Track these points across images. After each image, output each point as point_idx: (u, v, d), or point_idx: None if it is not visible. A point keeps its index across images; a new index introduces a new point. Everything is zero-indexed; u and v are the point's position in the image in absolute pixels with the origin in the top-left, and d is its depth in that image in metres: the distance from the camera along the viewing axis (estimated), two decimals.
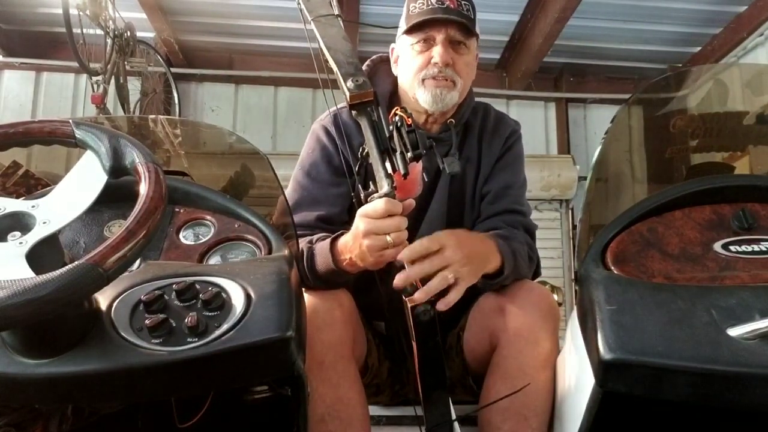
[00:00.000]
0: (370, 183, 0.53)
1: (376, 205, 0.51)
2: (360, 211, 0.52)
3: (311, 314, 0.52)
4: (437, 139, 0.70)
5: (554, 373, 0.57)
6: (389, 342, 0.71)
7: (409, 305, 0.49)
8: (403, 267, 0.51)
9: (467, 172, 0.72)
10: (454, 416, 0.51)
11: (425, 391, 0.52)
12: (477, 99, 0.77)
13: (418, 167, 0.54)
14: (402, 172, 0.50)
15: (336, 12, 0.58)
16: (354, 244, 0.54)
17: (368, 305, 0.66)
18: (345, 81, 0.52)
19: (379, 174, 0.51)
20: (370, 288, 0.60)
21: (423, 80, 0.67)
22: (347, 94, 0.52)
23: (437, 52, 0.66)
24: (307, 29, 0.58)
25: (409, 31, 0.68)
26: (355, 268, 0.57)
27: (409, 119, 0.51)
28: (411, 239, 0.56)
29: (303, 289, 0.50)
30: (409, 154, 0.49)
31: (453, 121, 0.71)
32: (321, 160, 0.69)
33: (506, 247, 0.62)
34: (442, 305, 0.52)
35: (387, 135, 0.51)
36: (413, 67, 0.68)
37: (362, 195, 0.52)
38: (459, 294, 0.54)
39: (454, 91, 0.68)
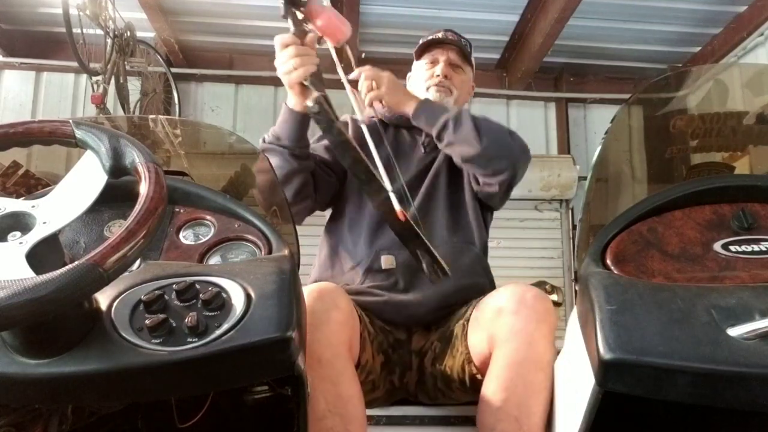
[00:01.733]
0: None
1: (275, 40, 0.67)
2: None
3: (308, 314, 0.52)
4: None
5: (550, 375, 0.57)
6: (382, 336, 0.72)
7: (307, 103, 0.64)
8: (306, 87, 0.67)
9: None
10: (388, 187, 0.62)
11: (356, 174, 0.64)
12: (477, 99, 0.98)
13: (315, 7, 0.65)
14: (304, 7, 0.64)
15: None
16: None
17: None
18: None
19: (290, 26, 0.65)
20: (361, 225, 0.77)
21: (428, 88, 0.87)
22: None
23: (440, 67, 0.88)
24: None
25: (420, 54, 0.91)
26: (293, 101, 0.72)
27: None
28: (414, 195, 0.77)
29: (302, 289, 0.51)
30: None
31: None
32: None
33: (436, 104, 0.82)
34: (367, 99, 0.81)
35: None
36: (422, 79, 0.89)
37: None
38: (373, 95, 0.80)
39: (450, 98, 0.87)
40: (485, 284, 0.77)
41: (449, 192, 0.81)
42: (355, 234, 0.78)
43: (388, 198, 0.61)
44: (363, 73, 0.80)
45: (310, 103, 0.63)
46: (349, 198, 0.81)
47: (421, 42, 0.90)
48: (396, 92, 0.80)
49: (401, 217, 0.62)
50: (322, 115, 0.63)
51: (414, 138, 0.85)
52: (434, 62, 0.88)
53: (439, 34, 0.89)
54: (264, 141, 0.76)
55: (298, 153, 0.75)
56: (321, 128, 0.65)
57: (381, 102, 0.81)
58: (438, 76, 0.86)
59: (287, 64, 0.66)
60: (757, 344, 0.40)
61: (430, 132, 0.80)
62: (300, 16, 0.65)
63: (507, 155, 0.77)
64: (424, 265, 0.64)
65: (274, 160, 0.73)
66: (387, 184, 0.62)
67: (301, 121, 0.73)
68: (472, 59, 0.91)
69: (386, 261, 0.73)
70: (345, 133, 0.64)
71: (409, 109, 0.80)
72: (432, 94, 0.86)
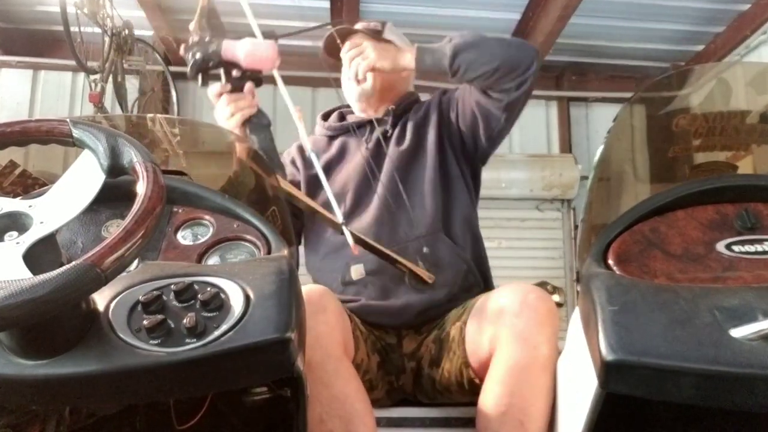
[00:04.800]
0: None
1: (208, 93, 0.69)
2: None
3: None
4: (378, 120, 0.86)
5: (553, 378, 0.57)
6: (374, 336, 0.72)
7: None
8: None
9: (420, 135, 0.84)
10: (340, 219, 0.67)
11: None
12: None
13: (232, 53, 0.66)
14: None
15: None
16: None
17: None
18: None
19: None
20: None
21: (349, 78, 0.85)
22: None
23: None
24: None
25: (336, 52, 0.87)
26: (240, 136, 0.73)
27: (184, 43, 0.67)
28: (364, 207, 0.78)
29: (301, 290, 0.50)
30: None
31: (393, 107, 0.86)
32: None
33: (429, 46, 0.78)
34: (359, 75, 0.79)
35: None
36: (344, 70, 0.86)
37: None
38: (365, 67, 0.78)
39: (367, 84, 0.84)
40: (469, 273, 0.76)
41: (409, 185, 0.78)
42: (324, 252, 0.79)
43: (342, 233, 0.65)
44: (346, 54, 0.79)
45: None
46: (310, 223, 0.81)
47: (326, 38, 0.86)
48: (386, 53, 0.77)
49: (355, 252, 0.66)
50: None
51: (358, 139, 0.84)
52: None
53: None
54: None
55: None
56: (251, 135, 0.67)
57: (375, 70, 0.78)
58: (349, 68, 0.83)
59: (224, 112, 0.68)
60: (760, 345, 0.39)
61: (443, 71, 0.76)
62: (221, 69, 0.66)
63: (526, 49, 0.76)
64: (406, 278, 0.68)
65: None
66: (339, 217, 0.66)
67: None
68: (389, 36, 0.85)
69: (355, 272, 0.73)
70: (285, 188, 0.64)
71: (408, 62, 0.76)
72: (355, 87, 0.84)
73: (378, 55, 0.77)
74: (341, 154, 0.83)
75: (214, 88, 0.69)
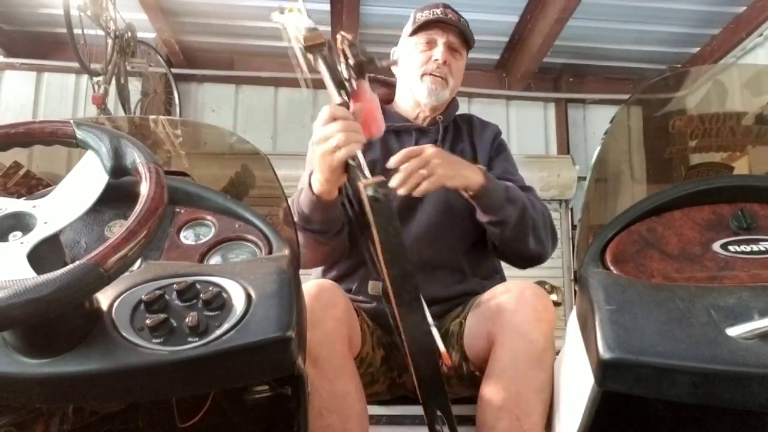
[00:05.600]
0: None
1: (322, 112, 0.57)
2: (314, 125, 0.59)
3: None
4: (425, 130, 0.81)
5: (550, 374, 0.57)
6: (382, 329, 0.72)
7: (362, 187, 0.50)
8: (355, 167, 0.55)
9: (465, 158, 0.78)
10: (431, 321, 0.55)
11: (397, 292, 0.50)
12: (476, 99, 0.97)
13: (365, 89, 0.58)
14: (353, 85, 0.57)
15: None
16: (313, 158, 0.60)
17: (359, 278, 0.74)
18: (300, 32, 0.58)
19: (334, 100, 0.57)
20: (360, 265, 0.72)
21: (422, 75, 0.78)
22: (302, 38, 0.58)
23: (438, 51, 0.77)
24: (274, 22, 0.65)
25: (416, 31, 0.79)
26: (324, 188, 0.61)
27: (349, 37, 0.58)
28: (409, 220, 0.71)
29: (302, 289, 0.51)
30: (351, 61, 0.55)
31: (441, 117, 0.81)
32: None
33: (497, 181, 0.70)
34: (417, 192, 0.62)
35: (338, 68, 0.57)
36: (416, 63, 0.79)
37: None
38: (431, 184, 0.62)
39: (446, 90, 0.79)
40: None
41: (452, 218, 0.74)
42: (357, 259, 0.74)
43: (429, 334, 0.50)
44: (407, 164, 0.61)
45: (370, 191, 0.48)
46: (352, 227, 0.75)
47: (419, 19, 0.78)
48: (454, 167, 0.64)
49: (447, 363, 0.50)
50: (384, 206, 0.48)
51: (400, 143, 0.77)
52: (431, 43, 0.77)
53: (438, 11, 0.77)
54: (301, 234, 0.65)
55: (332, 235, 0.67)
56: (376, 222, 0.48)
57: (442, 187, 0.64)
58: (437, 60, 0.75)
59: (332, 140, 0.54)
60: (755, 344, 0.40)
61: (484, 216, 0.68)
62: (349, 87, 0.57)
63: (545, 251, 0.74)
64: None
65: (304, 241, 0.64)
66: (429, 317, 0.51)
67: (336, 205, 0.63)
68: (470, 42, 0.80)
69: (372, 287, 0.72)
70: (401, 234, 0.50)
71: (474, 186, 0.66)
72: (427, 85, 0.76)
73: (446, 171, 0.62)
74: (386, 157, 0.68)
75: (335, 109, 0.54)
